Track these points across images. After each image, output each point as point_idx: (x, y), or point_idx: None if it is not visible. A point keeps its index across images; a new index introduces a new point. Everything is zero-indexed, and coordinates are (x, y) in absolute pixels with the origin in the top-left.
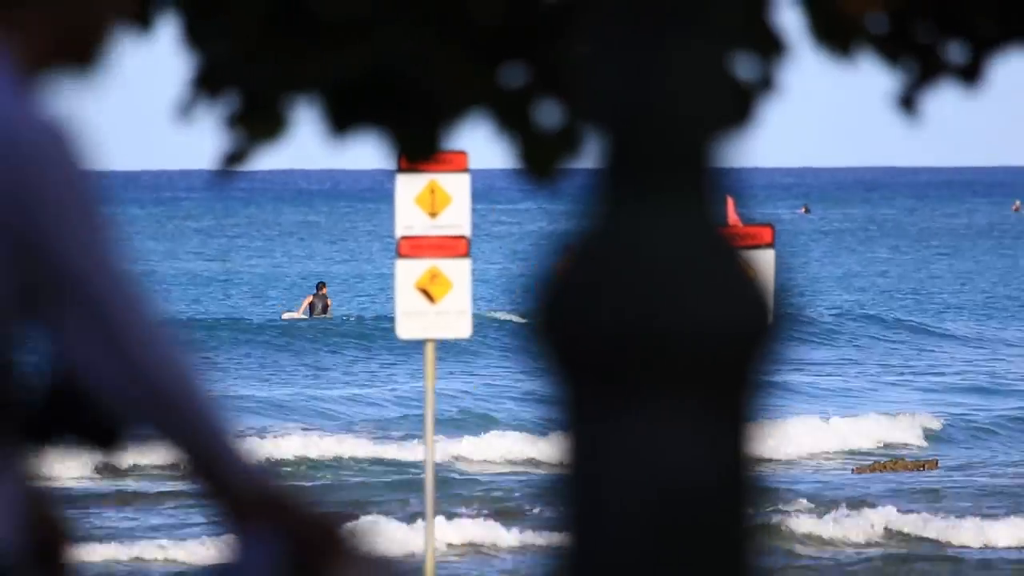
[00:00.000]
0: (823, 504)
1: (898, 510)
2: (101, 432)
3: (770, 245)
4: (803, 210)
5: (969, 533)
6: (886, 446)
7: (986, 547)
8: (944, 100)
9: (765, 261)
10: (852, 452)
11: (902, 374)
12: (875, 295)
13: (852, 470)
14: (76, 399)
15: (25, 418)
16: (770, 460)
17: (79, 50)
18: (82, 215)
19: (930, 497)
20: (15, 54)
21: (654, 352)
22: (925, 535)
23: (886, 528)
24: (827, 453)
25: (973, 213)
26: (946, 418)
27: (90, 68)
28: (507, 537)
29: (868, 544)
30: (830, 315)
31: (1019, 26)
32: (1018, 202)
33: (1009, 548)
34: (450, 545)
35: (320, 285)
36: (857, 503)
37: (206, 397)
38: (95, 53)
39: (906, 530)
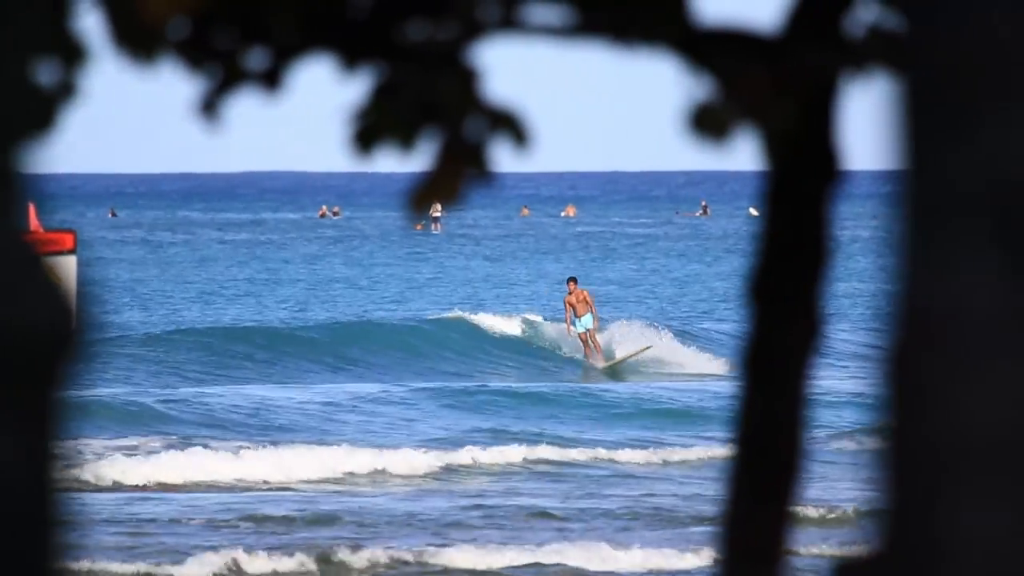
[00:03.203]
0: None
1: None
2: None
3: (72, 251)
4: (111, 214)
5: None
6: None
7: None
8: (246, 106)
9: (67, 266)
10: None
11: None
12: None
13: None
14: None
15: None
16: (76, 481)
17: None
18: None
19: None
20: None
21: None
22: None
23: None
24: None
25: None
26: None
27: None
28: None
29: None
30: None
31: (318, 34)
32: (332, 207)
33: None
34: None
35: None
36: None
37: None
38: None
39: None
